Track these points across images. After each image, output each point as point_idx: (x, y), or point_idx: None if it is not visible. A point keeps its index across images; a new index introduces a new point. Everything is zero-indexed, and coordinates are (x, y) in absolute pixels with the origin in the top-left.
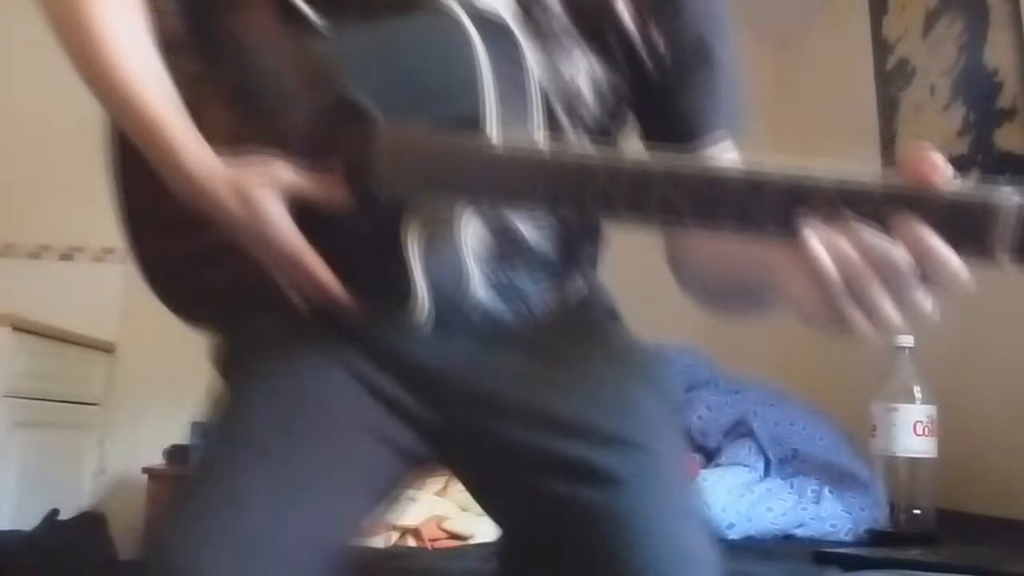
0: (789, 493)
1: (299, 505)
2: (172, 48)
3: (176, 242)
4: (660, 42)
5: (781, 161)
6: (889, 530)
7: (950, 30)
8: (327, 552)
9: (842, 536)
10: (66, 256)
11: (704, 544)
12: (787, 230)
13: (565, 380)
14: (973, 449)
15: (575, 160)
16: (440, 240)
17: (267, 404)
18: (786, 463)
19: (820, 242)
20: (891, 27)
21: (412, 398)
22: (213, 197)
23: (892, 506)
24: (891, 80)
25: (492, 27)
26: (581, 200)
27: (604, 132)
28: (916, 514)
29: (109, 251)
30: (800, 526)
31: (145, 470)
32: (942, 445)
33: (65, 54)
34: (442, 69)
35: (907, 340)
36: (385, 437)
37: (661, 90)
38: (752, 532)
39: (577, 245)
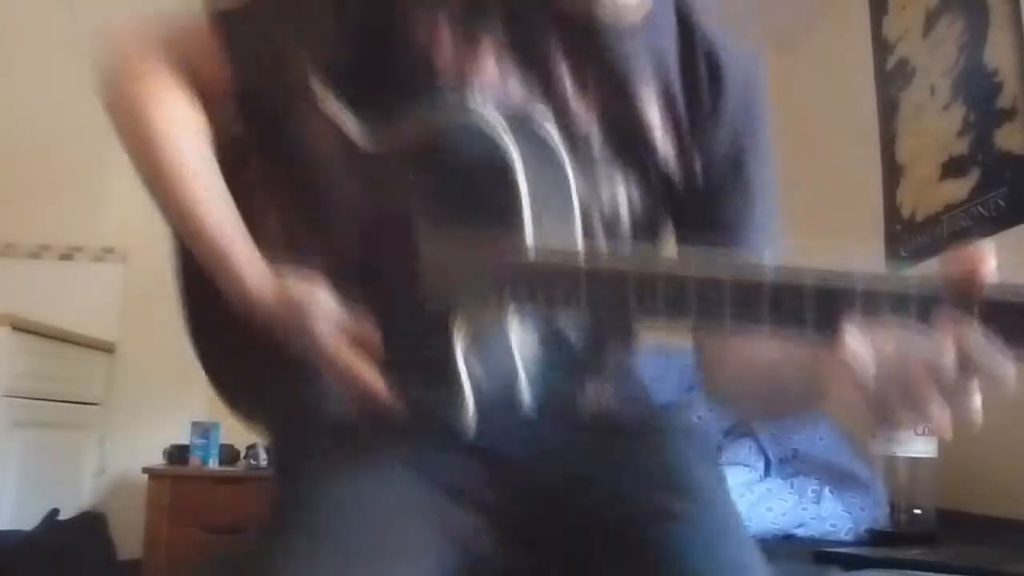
0: (789, 493)
1: None
2: (233, 156)
3: (240, 353)
4: (696, 166)
5: (818, 251)
6: (889, 530)
7: (950, 30)
8: None
9: (842, 536)
10: (66, 256)
11: (756, 560)
12: (827, 331)
13: (625, 455)
14: (973, 449)
15: (612, 267)
16: (489, 343)
17: (327, 508)
18: (786, 463)
19: (861, 343)
20: (891, 27)
21: (473, 486)
22: (266, 311)
23: (892, 506)
24: (891, 80)
25: (537, 142)
26: (620, 306)
27: (643, 240)
28: (916, 514)
29: (109, 251)
30: (800, 526)
31: (145, 470)
32: (942, 445)
33: (134, 167)
34: (484, 183)
35: None
36: (448, 531)
37: (696, 204)
38: (753, 532)
39: (616, 342)
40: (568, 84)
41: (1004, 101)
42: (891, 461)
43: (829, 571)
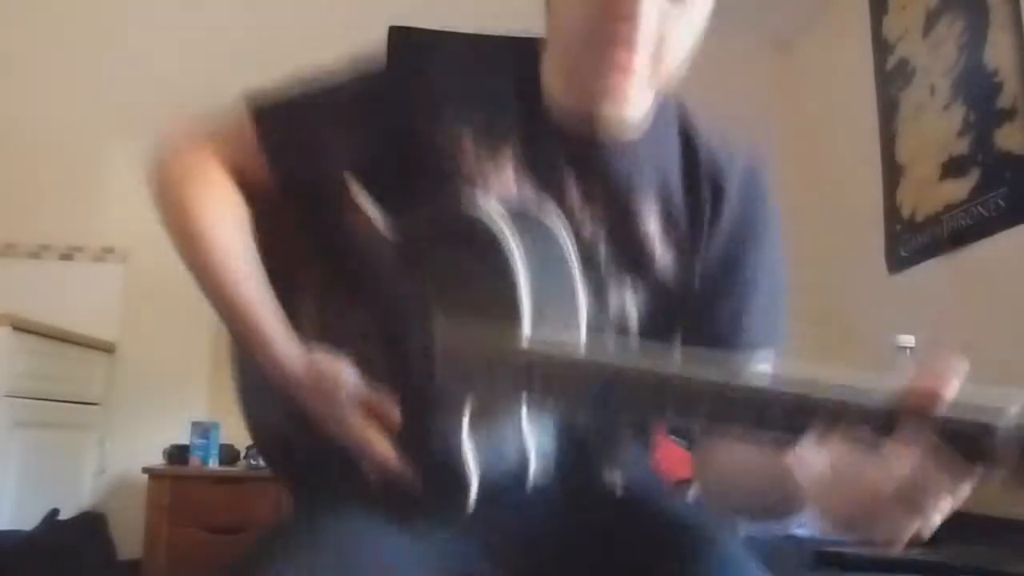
0: None
1: None
2: (275, 238)
3: (274, 414)
4: (695, 276)
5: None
6: None
7: (950, 30)
8: None
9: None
10: (66, 256)
11: None
12: (792, 440)
13: (636, 538)
14: None
15: (591, 361)
16: (499, 429)
17: (335, 535)
18: None
19: (823, 453)
20: (891, 27)
21: (478, 568)
22: (296, 383)
23: None
24: (891, 80)
25: (544, 238)
26: (604, 401)
27: (648, 340)
28: None
29: (109, 251)
30: (801, 525)
31: (145, 470)
32: None
33: (177, 250)
34: (490, 279)
35: (908, 340)
36: None
37: (694, 310)
38: (753, 532)
39: (626, 436)
40: (576, 198)
41: (1004, 101)
42: None
43: (829, 572)
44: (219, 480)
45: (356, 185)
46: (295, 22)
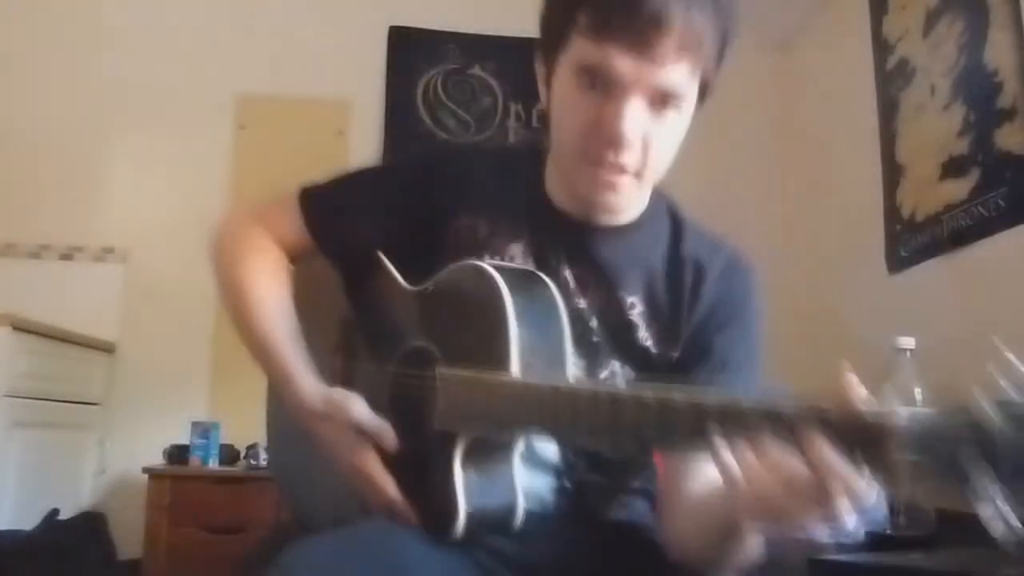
0: None
1: None
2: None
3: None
4: (675, 354)
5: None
6: (889, 532)
7: (950, 30)
8: None
9: (841, 539)
10: (66, 256)
11: None
12: (703, 446)
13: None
14: None
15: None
16: (492, 466)
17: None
18: None
19: (735, 458)
20: (891, 27)
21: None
22: (312, 417)
23: (892, 508)
24: (891, 80)
25: (538, 293)
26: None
27: None
28: (916, 516)
29: (109, 251)
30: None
31: (145, 470)
32: None
33: (224, 306)
34: (483, 332)
35: (908, 342)
36: None
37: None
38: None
39: (624, 475)
40: (571, 279)
41: (1004, 101)
42: None
43: None
44: (219, 480)
45: (384, 258)
46: (296, 22)
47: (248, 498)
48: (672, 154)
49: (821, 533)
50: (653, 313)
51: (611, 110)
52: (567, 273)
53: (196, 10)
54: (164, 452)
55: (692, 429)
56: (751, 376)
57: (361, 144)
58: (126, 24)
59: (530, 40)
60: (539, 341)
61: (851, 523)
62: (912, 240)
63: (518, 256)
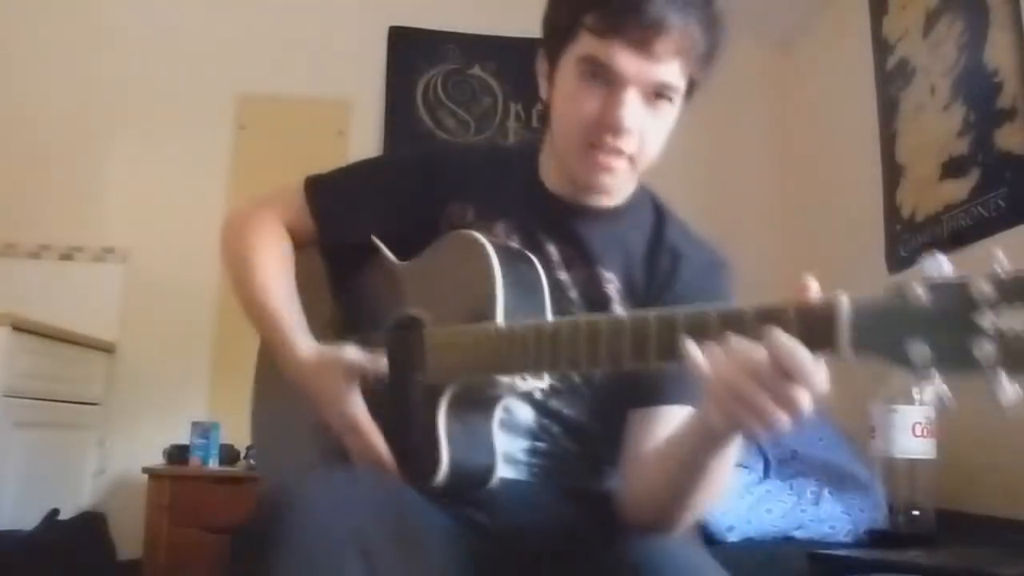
0: (788, 494)
1: None
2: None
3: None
4: None
5: None
6: (888, 531)
7: (950, 30)
8: None
9: (841, 538)
10: (66, 256)
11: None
12: (675, 355)
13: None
14: (973, 449)
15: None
16: (473, 426)
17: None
18: (785, 464)
19: (705, 357)
20: (891, 27)
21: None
22: (304, 369)
23: (891, 508)
24: (891, 80)
25: (521, 263)
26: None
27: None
28: (915, 515)
29: (109, 251)
30: (799, 528)
31: (145, 470)
32: (941, 446)
33: (229, 276)
34: (470, 291)
35: None
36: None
37: None
38: (751, 534)
39: (599, 448)
40: (555, 255)
41: (1004, 101)
42: (890, 462)
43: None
44: (219, 480)
45: (378, 241)
46: (296, 22)
47: (248, 498)
48: (661, 143)
49: (783, 428)
50: (628, 291)
51: (613, 100)
52: (551, 247)
53: (196, 10)
54: (164, 452)
55: (663, 342)
56: None
57: (361, 144)
58: (126, 24)
59: (530, 40)
60: (522, 306)
61: (808, 412)
62: (912, 240)
63: (504, 232)
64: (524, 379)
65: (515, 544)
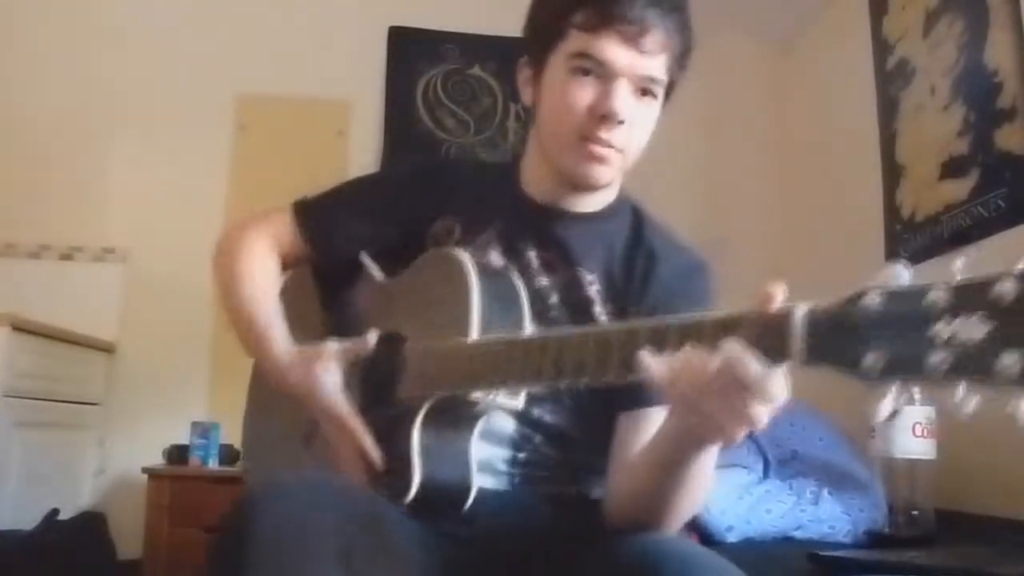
0: (788, 495)
1: None
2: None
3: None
4: None
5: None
6: (888, 531)
7: (950, 30)
8: None
9: (841, 538)
10: (66, 256)
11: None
12: (635, 369)
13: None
14: (973, 449)
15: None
16: (449, 443)
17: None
18: (785, 464)
19: (663, 369)
20: (891, 27)
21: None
22: (284, 368)
23: (891, 508)
24: (891, 80)
25: (500, 280)
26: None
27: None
28: (915, 515)
29: (109, 251)
30: (799, 528)
31: (145, 470)
32: (941, 446)
33: (218, 295)
34: (447, 308)
35: None
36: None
37: None
38: (751, 534)
39: (581, 455)
40: (535, 262)
41: (1004, 101)
42: (890, 462)
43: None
44: (219, 480)
45: (366, 258)
46: (296, 22)
47: None
48: (647, 138)
49: (738, 437)
50: (609, 292)
51: (605, 91)
52: (532, 254)
53: (196, 10)
54: (164, 452)
55: (624, 354)
56: None
57: (361, 145)
58: (126, 24)
59: None
60: (499, 320)
61: (762, 423)
62: (912, 240)
63: (486, 242)
64: (497, 395)
65: (495, 550)
